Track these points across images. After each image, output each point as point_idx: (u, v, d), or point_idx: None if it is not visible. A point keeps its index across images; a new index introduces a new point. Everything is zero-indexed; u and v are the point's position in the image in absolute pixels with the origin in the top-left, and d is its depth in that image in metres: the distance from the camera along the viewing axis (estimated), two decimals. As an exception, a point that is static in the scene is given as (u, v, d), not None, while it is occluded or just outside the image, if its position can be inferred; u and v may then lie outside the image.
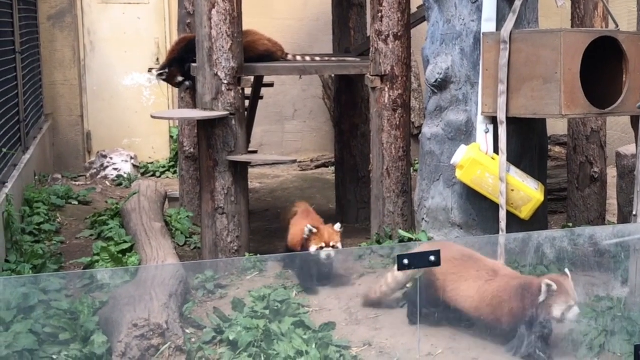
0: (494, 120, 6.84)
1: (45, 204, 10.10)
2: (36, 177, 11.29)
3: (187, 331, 6.07)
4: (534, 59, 6.60)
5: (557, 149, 10.87)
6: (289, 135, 14.37)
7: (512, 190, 6.71)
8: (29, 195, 10.02)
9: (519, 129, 6.95)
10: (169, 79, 9.86)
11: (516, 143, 6.97)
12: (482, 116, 6.93)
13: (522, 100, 6.67)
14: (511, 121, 6.77)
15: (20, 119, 10.62)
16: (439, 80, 7.15)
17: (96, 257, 7.92)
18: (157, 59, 13.93)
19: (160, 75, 9.81)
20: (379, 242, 8.07)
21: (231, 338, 5.84)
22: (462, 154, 6.86)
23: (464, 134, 7.08)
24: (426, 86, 7.40)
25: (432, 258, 3.35)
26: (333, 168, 11.90)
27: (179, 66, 9.70)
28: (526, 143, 7.12)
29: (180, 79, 9.78)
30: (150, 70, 13.60)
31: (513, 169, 6.83)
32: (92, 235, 9.43)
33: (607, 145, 9.41)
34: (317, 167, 13.78)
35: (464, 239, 6.95)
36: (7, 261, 7.75)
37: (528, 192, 6.75)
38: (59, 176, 12.72)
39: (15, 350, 5.33)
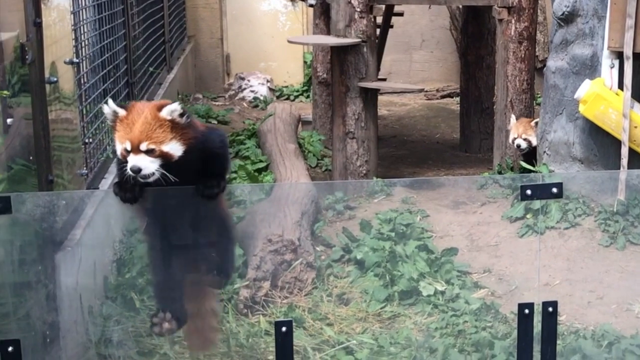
0: (619, 56, 6.62)
1: (188, 122, 10.26)
2: (179, 96, 11.48)
3: (317, 249, 6.15)
4: (664, -6, 6.34)
5: (682, 86, 10.47)
6: (416, 64, 14.21)
7: (635, 127, 6.51)
8: (172, 113, 10.19)
9: (645, 65, 6.72)
10: None
11: (642, 80, 6.75)
12: (608, 51, 6.71)
13: (650, 37, 6.43)
14: (637, 57, 6.54)
15: (165, 40, 10.75)
16: (566, 13, 6.94)
17: (234, 175, 8.06)
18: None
19: None
20: (500, 173, 7.99)
21: (359, 257, 5.90)
22: (586, 89, 6.67)
23: (589, 68, 6.88)
24: (552, 19, 7.21)
25: (555, 190, 3.26)
26: (458, 98, 11.77)
27: None
28: (651, 80, 6.89)
29: None
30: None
31: (637, 105, 6.61)
32: (230, 153, 9.56)
33: None
34: (443, 97, 13.62)
35: (585, 173, 6.81)
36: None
37: (651, 130, 6.55)
38: (200, 96, 12.93)
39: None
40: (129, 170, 3.14)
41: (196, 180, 3.25)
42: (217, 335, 3.78)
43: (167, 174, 3.12)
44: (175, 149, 3.16)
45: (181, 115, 3.18)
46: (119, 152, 3.21)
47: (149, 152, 3.14)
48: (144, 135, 3.14)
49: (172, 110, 3.17)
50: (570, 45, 6.99)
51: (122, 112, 3.19)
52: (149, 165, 3.13)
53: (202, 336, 3.69)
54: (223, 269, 3.58)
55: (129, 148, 3.15)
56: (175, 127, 3.17)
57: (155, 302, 3.70)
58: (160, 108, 3.18)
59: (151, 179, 3.15)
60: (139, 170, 3.12)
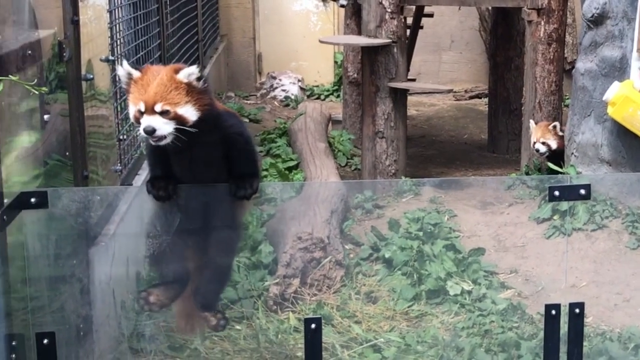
0: (649, 58, 6.58)
1: (220, 120, 10.29)
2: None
3: (346, 247, 6.14)
4: (695, -2, 6.28)
5: None
6: (445, 65, 14.16)
7: (664, 130, 6.46)
8: (205, 111, 10.22)
9: (674, 68, 6.65)
10: None
11: (671, 82, 6.68)
12: (637, 53, 6.66)
13: (680, 41, 6.37)
14: (667, 61, 6.49)
15: (199, 39, 10.76)
16: (596, 15, 6.89)
17: (264, 173, 8.08)
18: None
19: None
20: (527, 174, 7.95)
21: (387, 256, 5.89)
22: (614, 91, 6.62)
23: (618, 70, 6.83)
24: (582, 21, 7.16)
25: (583, 191, 3.23)
26: (486, 99, 11.72)
27: None
28: (681, 83, 6.81)
29: None
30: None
31: (666, 108, 6.56)
32: (261, 151, 9.58)
33: None
34: (471, 97, 13.55)
35: (613, 175, 6.75)
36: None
37: (679, 133, 6.48)
38: (232, 94, 12.95)
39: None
40: (141, 131, 3.04)
41: (228, 179, 3.22)
42: (203, 324, 3.74)
43: (182, 136, 3.03)
44: (190, 113, 3.07)
45: (198, 79, 3.10)
46: (132, 115, 3.12)
47: (164, 113, 3.03)
48: (159, 96, 3.04)
49: (189, 73, 3.08)
50: (599, 47, 6.94)
51: (136, 73, 3.11)
52: (163, 127, 3.02)
53: (190, 320, 3.62)
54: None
55: (142, 109, 3.05)
56: (191, 91, 3.08)
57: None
58: (177, 70, 3.09)
59: (164, 142, 3.05)
60: (153, 130, 3.01)
